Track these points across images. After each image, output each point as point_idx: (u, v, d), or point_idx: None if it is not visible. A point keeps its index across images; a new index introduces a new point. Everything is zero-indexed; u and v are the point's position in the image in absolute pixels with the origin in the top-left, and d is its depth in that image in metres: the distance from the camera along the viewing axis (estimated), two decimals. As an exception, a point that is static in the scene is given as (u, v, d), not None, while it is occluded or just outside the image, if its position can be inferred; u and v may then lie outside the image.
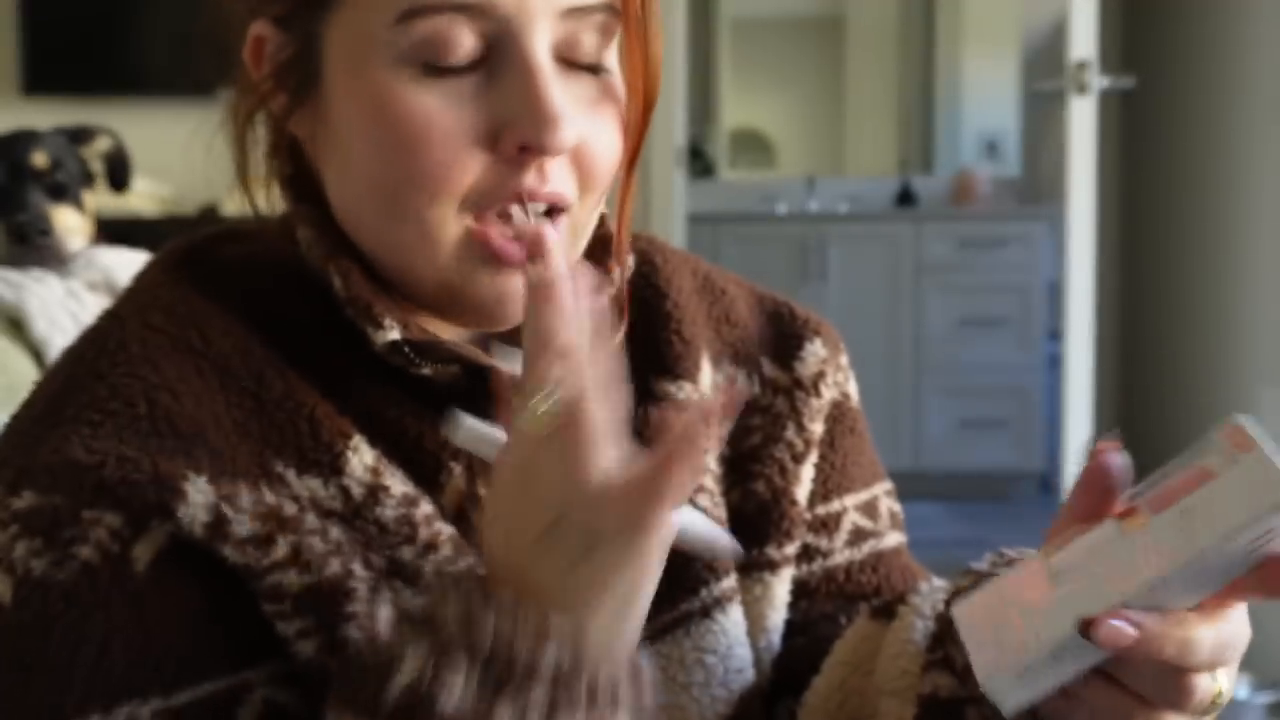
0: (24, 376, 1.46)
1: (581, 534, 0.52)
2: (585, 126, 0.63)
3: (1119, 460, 0.55)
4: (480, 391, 0.66)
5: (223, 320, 0.65)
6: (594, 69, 0.64)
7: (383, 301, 0.65)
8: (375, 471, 0.64)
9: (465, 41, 0.61)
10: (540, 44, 0.61)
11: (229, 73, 0.70)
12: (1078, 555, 0.54)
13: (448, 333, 0.69)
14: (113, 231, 1.85)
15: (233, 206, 3.03)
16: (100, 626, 0.57)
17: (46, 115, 2.26)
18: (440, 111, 0.61)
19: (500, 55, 0.61)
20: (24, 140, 1.72)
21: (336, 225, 0.67)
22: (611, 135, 0.66)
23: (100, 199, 1.81)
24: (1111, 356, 3.85)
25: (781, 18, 5.67)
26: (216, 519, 0.58)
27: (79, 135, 1.79)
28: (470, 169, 0.61)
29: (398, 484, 0.64)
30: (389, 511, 0.63)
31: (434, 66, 0.61)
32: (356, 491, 0.63)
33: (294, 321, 0.67)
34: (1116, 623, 0.52)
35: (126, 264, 1.71)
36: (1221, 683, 0.55)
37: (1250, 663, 2.73)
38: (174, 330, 0.64)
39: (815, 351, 0.79)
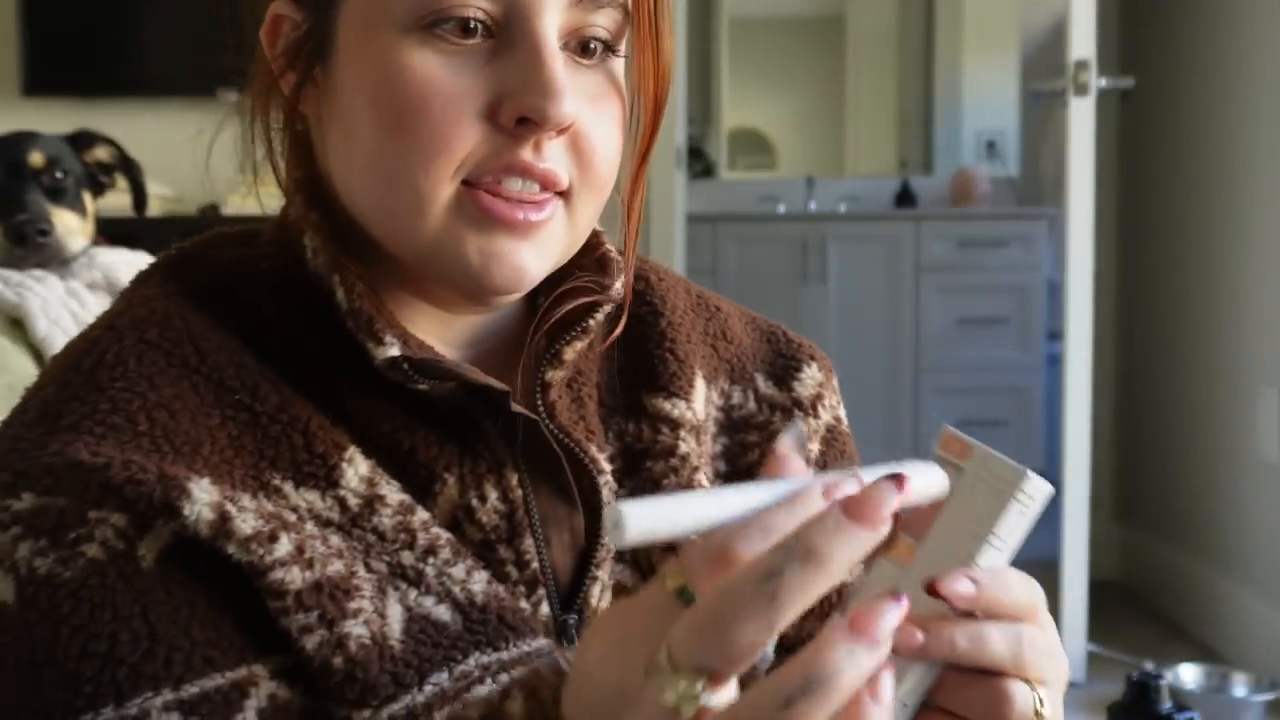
0: (25, 376, 1.46)
1: None
2: (586, 114, 0.65)
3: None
4: (473, 407, 0.67)
5: (217, 334, 0.66)
6: (600, 64, 0.66)
7: (384, 316, 0.66)
8: (370, 482, 0.65)
9: (476, 15, 0.63)
10: (549, 26, 0.64)
11: (242, 67, 0.71)
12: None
13: (446, 349, 0.70)
14: (113, 232, 1.85)
15: (233, 206, 3.03)
16: (109, 622, 0.57)
17: (47, 117, 2.26)
18: (442, 79, 0.63)
19: (509, 33, 0.64)
20: (23, 141, 1.71)
21: (343, 233, 0.68)
22: (611, 131, 0.67)
23: (101, 201, 1.81)
24: (1111, 357, 3.85)
25: (781, 18, 5.68)
26: (221, 516, 0.59)
27: (79, 140, 1.79)
28: (468, 138, 0.63)
29: (393, 493, 0.65)
30: (386, 520, 0.65)
31: (442, 37, 0.63)
32: (353, 502, 0.64)
33: (289, 333, 0.68)
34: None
35: (127, 264, 1.71)
36: (1042, 699, 0.52)
37: (1250, 662, 2.73)
38: (169, 346, 0.65)
39: (813, 375, 0.81)
